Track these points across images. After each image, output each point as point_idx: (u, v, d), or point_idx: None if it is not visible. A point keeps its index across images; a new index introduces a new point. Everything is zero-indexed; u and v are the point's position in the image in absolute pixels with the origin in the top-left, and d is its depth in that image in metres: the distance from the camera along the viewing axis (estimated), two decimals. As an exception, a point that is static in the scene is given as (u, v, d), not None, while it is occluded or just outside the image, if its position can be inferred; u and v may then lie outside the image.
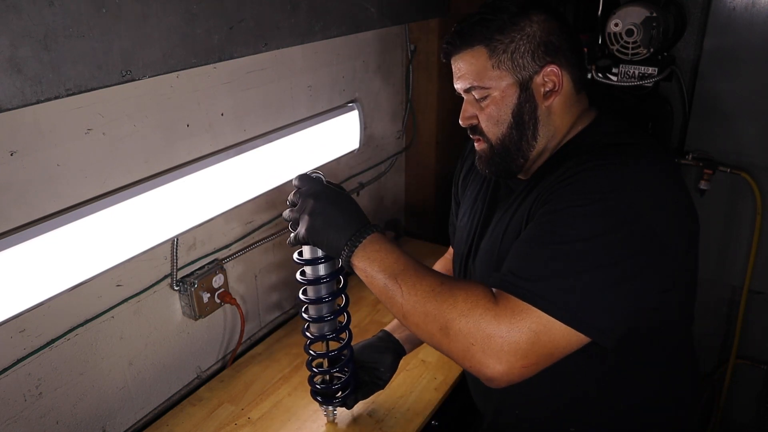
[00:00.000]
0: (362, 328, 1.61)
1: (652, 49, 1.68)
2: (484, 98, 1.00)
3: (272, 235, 1.60)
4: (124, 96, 1.12)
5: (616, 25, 1.69)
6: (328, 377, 1.23)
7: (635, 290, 0.86)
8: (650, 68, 1.72)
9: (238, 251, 1.51)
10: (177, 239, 1.31)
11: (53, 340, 1.12)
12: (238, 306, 1.47)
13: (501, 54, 0.97)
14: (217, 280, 1.42)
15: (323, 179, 1.05)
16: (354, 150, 1.77)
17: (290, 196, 1.04)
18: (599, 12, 1.76)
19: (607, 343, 0.84)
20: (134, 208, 1.14)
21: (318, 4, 1.24)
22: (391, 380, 1.27)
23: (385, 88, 1.95)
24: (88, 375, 1.21)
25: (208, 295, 1.41)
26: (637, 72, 1.74)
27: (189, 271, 1.39)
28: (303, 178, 1.03)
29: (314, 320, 1.16)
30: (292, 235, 1.02)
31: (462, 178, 1.28)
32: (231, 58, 1.07)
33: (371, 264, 0.93)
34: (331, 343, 1.19)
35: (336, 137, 1.69)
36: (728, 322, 2.15)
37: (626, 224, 0.84)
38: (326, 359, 1.20)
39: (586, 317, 0.82)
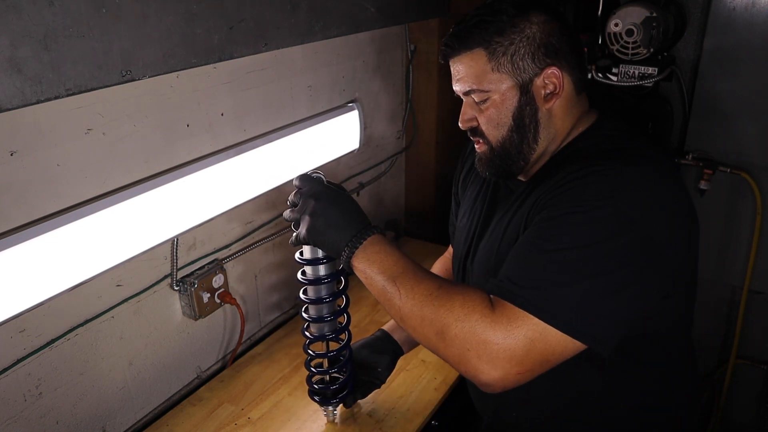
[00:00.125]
0: (362, 328, 1.61)
1: (652, 49, 1.68)
2: (484, 101, 0.99)
3: (272, 235, 1.60)
4: (124, 96, 1.12)
5: (616, 25, 1.69)
6: (326, 377, 1.23)
7: (633, 297, 0.85)
8: (650, 68, 1.72)
9: (238, 251, 1.51)
10: (177, 239, 1.31)
11: (53, 340, 1.12)
12: (238, 306, 1.48)
13: (501, 57, 0.96)
14: (217, 280, 1.42)
15: (324, 179, 1.04)
16: (354, 150, 1.77)
17: (291, 197, 1.03)
18: (599, 12, 1.76)
19: (603, 351, 0.83)
20: (134, 208, 1.14)
21: (318, 4, 1.24)
22: (392, 380, 1.27)
23: (385, 88, 1.95)
24: (88, 375, 1.21)
25: (208, 295, 1.41)
26: (637, 72, 1.74)
27: (189, 271, 1.39)
28: (304, 178, 1.03)
29: (314, 320, 1.16)
30: (293, 235, 1.02)
31: (462, 178, 1.28)
32: (231, 58, 1.07)
33: (371, 266, 0.93)
34: (330, 343, 1.19)
35: (336, 137, 1.69)
36: (728, 322, 2.16)
37: (624, 231, 0.83)
38: (325, 359, 1.20)
39: (583, 325, 0.82)
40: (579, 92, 1.01)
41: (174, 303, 1.38)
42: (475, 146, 1.05)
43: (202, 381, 1.47)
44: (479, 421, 1.25)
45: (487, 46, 0.96)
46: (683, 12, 1.86)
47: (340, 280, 1.15)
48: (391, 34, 1.91)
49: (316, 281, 1.12)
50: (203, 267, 1.41)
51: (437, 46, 1.96)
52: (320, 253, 1.09)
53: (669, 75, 1.76)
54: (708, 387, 2.23)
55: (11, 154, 0.97)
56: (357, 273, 0.95)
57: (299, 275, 1.13)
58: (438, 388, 1.40)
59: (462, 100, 1.04)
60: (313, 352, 1.21)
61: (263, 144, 1.42)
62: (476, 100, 1.00)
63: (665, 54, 1.79)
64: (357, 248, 0.94)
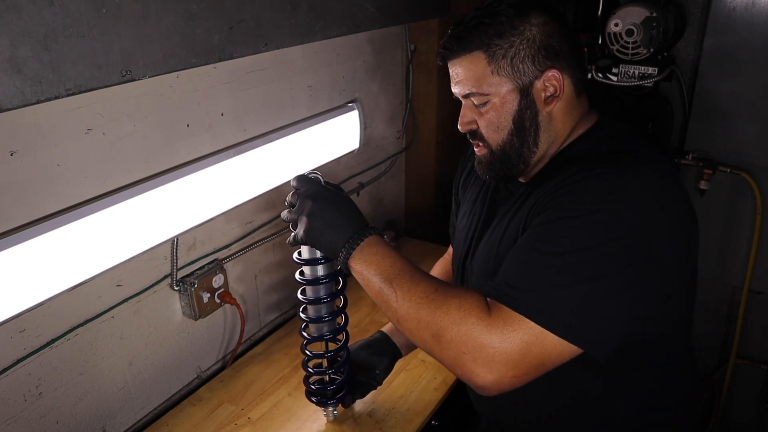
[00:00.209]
0: (362, 328, 1.61)
1: (652, 49, 1.68)
2: (484, 104, 0.98)
3: (272, 235, 1.60)
4: (124, 96, 1.12)
5: (616, 25, 1.69)
6: (323, 378, 1.23)
7: (633, 301, 0.85)
8: (650, 68, 1.72)
9: (238, 251, 1.51)
10: (177, 239, 1.31)
11: (53, 340, 1.12)
12: (238, 306, 1.48)
13: (501, 60, 0.94)
14: (217, 280, 1.42)
15: (321, 180, 1.04)
16: (354, 150, 1.77)
17: (289, 197, 1.03)
18: (599, 12, 1.76)
19: (600, 356, 0.83)
20: (134, 208, 1.14)
21: (318, 4, 1.24)
22: (392, 380, 1.27)
23: (385, 88, 1.94)
24: (88, 375, 1.21)
25: (208, 295, 1.41)
26: (637, 72, 1.74)
27: (189, 271, 1.39)
28: (301, 178, 1.03)
29: (312, 320, 1.16)
30: (291, 235, 1.02)
31: (463, 180, 1.27)
32: (231, 58, 1.07)
33: (368, 267, 0.93)
34: (328, 344, 1.19)
35: (336, 137, 1.69)
36: (728, 322, 2.16)
37: (622, 235, 0.83)
38: (323, 360, 1.20)
39: (579, 329, 0.82)
40: (579, 94, 1.00)
41: (174, 303, 1.38)
42: (475, 149, 1.05)
43: (202, 381, 1.47)
44: (479, 421, 1.25)
45: (486, 49, 0.94)
46: (683, 12, 1.86)
47: (338, 280, 1.15)
48: (391, 34, 1.91)
49: (314, 281, 1.11)
50: (203, 267, 1.41)
51: (437, 46, 1.95)
52: (318, 254, 1.09)
53: (669, 75, 1.76)
54: (708, 387, 2.23)
55: (11, 154, 0.97)
56: (354, 274, 0.95)
57: (297, 275, 1.13)
58: (438, 388, 1.40)
59: (461, 101, 1.03)
60: (311, 352, 1.21)
61: (263, 144, 1.42)
62: (476, 103, 0.99)
63: (665, 54, 1.79)
64: (354, 249, 0.94)
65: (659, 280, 0.87)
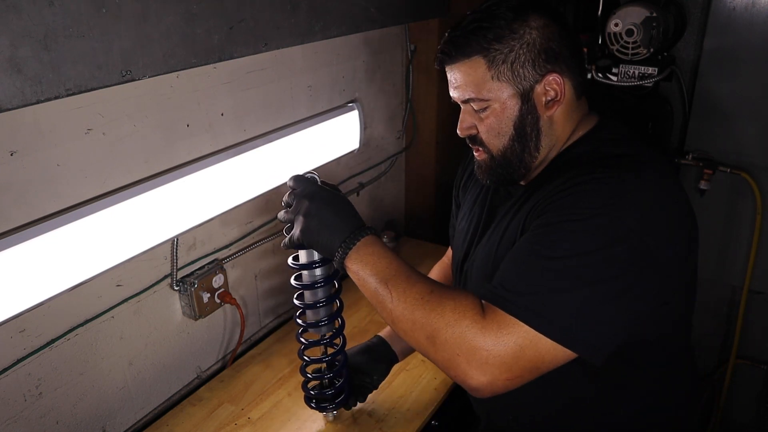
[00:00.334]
0: (362, 329, 1.61)
1: (652, 49, 1.68)
2: (484, 109, 0.97)
3: (272, 235, 1.60)
4: (124, 96, 1.12)
5: (616, 25, 1.69)
6: (321, 383, 1.23)
7: (632, 304, 0.85)
8: (650, 68, 1.72)
9: (238, 251, 1.51)
10: (177, 239, 1.31)
11: (53, 340, 1.12)
12: (238, 306, 1.48)
13: (500, 65, 0.93)
14: (217, 280, 1.42)
15: (318, 180, 1.04)
16: (354, 150, 1.77)
17: (285, 197, 1.03)
18: (599, 12, 1.76)
19: (595, 360, 0.83)
20: (134, 208, 1.14)
21: (318, 4, 1.24)
22: (392, 380, 1.27)
23: (385, 88, 1.94)
24: (88, 375, 1.21)
25: (208, 295, 1.41)
26: (637, 72, 1.74)
27: (189, 271, 1.39)
28: (298, 179, 1.02)
29: (308, 325, 1.15)
30: (286, 237, 1.01)
31: (463, 182, 1.27)
32: (231, 58, 1.07)
33: (364, 267, 0.93)
34: (326, 348, 1.18)
35: (336, 137, 1.69)
36: (728, 322, 2.16)
37: (621, 240, 0.83)
38: (321, 365, 1.20)
39: (575, 334, 0.81)
40: (579, 96, 1.00)
41: (174, 303, 1.38)
42: (475, 154, 1.04)
43: (202, 381, 1.47)
44: (479, 421, 1.25)
45: (486, 54, 0.93)
46: (683, 12, 1.86)
47: (334, 284, 1.15)
48: (391, 34, 1.91)
49: (309, 286, 1.10)
50: (203, 267, 1.41)
51: (437, 46, 1.96)
52: (315, 256, 1.08)
53: (669, 75, 1.76)
54: (708, 387, 2.23)
55: (11, 154, 0.97)
56: (350, 274, 0.95)
57: (292, 280, 1.13)
58: (438, 389, 1.40)
59: (459, 105, 1.02)
60: (309, 357, 1.20)
61: (263, 144, 1.42)
62: (475, 108, 0.98)
63: (665, 54, 1.79)
64: (350, 249, 0.94)
65: (659, 281, 0.87)
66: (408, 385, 1.40)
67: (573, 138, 1.00)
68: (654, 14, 1.64)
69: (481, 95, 0.95)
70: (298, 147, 1.53)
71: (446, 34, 0.97)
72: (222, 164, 1.31)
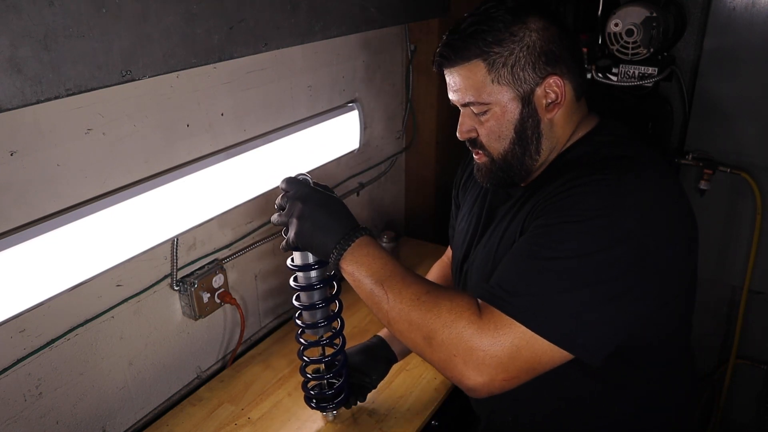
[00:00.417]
0: (362, 329, 1.61)
1: (652, 49, 1.68)
2: (484, 113, 0.96)
3: (272, 235, 1.60)
4: (124, 96, 1.12)
5: (616, 25, 1.69)
6: (322, 383, 1.22)
7: (625, 309, 0.84)
8: (650, 68, 1.72)
9: (238, 251, 1.51)
10: (177, 239, 1.31)
11: (53, 340, 1.12)
12: (238, 306, 1.48)
13: (500, 68, 0.92)
14: (217, 280, 1.42)
15: (310, 181, 1.03)
16: (354, 150, 1.77)
17: (278, 200, 1.01)
18: (599, 12, 1.76)
19: (593, 362, 0.83)
20: (134, 208, 1.14)
21: (318, 4, 1.24)
22: (392, 380, 1.27)
23: (385, 88, 1.94)
24: (88, 375, 1.21)
25: (208, 295, 1.41)
26: (637, 72, 1.74)
27: (189, 271, 1.39)
28: (290, 181, 1.01)
29: (307, 326, 1.15)
30: (284, 240, 1.01)
31: (463, 182, 1.27)
32: (231, 58, 1.07)
33: (359, 268, 0.92)
34: (325, 348, 1.18)
35: (336, 137, 1.69)
36: (728, 322, 2.16)
37: (619, 242, 0.82)
38: (320, 365, 1.20)
39: (572, 335, 0.81)
40: (579, 98, 0.99)
41: (174, 303, 1.38)
42: (474, 157, 1.03)
43: (202, 381, 1.47)
44: (479, 421, 1.25)
45: (485, 57, 0.92)
46: (683, 12, 1.86)
47: (332, 284, 1.14)
48: (391, 34, 1.91)
49: (308, 287, 1.10)
50: (203, 267, 1.41)
51: (437, 46, 1.96)
52: (311, 258, 1.08)
53: (669, 75, 1.76)
54: (708, 387, 2.23)
55: (11, 154, 0.97)
56: (345, 276, 0.94)
57: (291, 281, 1.13)
58: (438, 389, 1.40)
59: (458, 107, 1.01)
60: (308, 358, 1.20)
61: (263, 144, 1.42)
62: (475, 111, 0.97)
63: (665, 54, 1.79)
64: (345, 250, 0.93)
65: (659, 282, 0.87)
66: (408, 385, 1.40)
67: (573, 139, 1.00)
68: (654, 14, 1.64)
69: (481, 99, 0.95)
70: (298, 147, 1.53)
71: (444, 37, 0.96)
72: (222, 164, 1.31)
